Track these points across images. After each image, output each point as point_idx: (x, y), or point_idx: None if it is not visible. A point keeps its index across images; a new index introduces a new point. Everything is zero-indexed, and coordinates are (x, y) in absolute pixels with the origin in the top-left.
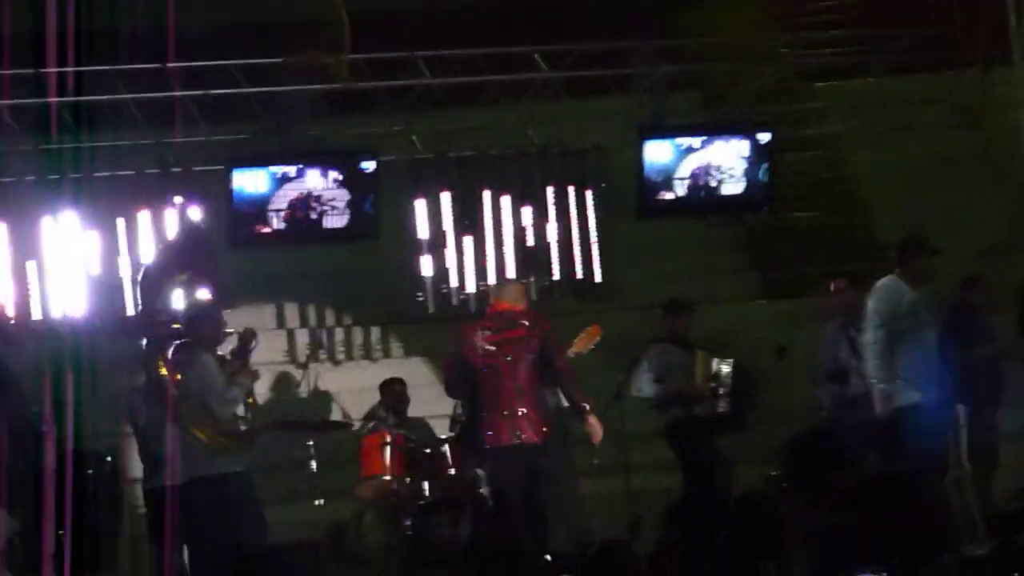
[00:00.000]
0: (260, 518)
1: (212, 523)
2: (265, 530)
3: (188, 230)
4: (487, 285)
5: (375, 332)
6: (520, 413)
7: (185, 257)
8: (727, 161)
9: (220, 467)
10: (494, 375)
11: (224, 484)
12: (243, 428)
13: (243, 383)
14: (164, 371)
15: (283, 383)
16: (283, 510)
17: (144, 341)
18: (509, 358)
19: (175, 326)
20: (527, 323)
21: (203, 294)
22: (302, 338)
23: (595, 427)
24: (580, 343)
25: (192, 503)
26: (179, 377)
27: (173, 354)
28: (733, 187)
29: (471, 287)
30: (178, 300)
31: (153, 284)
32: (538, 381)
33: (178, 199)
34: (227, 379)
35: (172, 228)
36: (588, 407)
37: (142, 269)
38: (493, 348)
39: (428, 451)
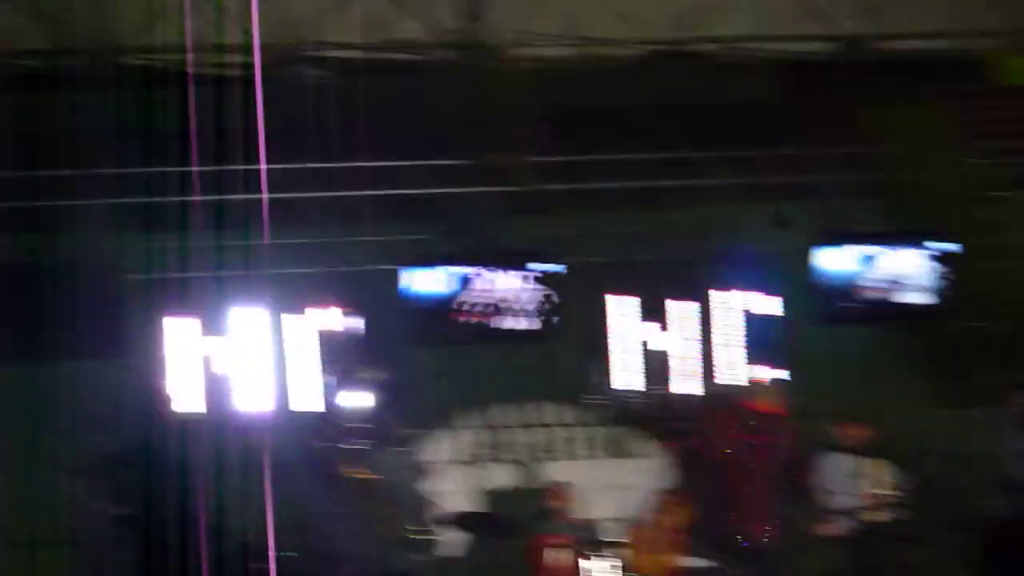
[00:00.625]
0: None
1: None
2: None
3: (370, 328)
4: (664, 387)
5: (556, 432)
6: (753, 514)
7: (367, 354)
8: (909, 269)
9: (406, 563)
10: (734, 473)
11: None
12: (426, 526)
13: (426, 480)
14: (355, 469)
15: (459, 481)
16: None
17: (324, 437)
18: (752, 461)
19: (358, 423)
20: (778, 427)
21: (384, 391)
22: (479, 437)
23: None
24: None
25: None
26: (369, 474)
27: (361, 451)
28: (914, 296)
29: (642, 389)
30: (359, 397)
31: (343, 381)
32: (775, 485)
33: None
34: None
35: (354, 325)
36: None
37: (326, 365)
38: (740, 446)
39: (590, 555)
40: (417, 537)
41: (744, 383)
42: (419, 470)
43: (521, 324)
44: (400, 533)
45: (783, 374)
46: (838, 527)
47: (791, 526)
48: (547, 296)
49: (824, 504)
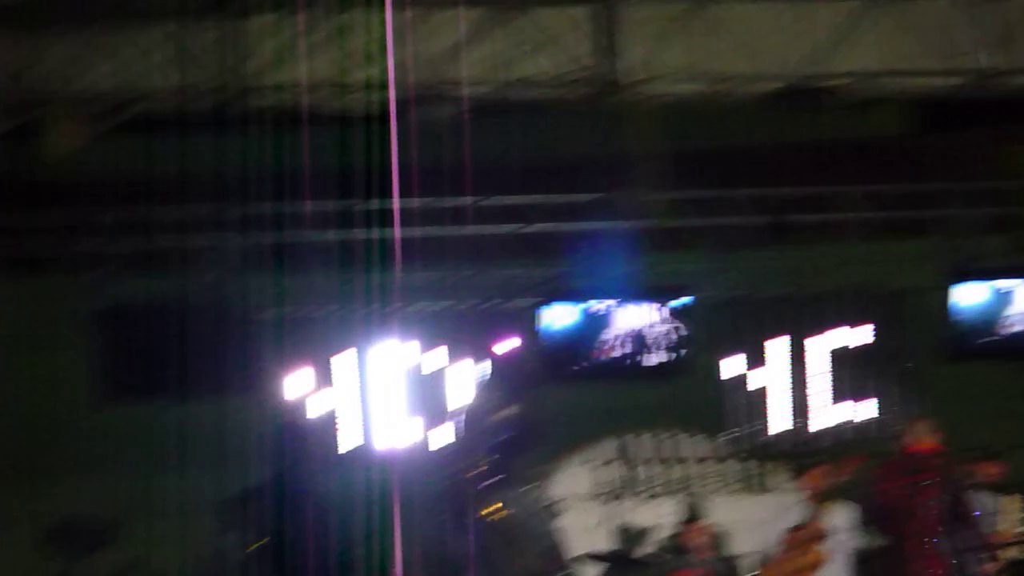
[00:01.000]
0: None
1: None
2: None
3: (511, 365)
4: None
5: (683, 467)
6: (924, 554)
7: (507, 393)
8: None
9: None
10: (903, 515)
11: None
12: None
13: (553, 517)
14: (494, 506)
15: (591, 517)
16: None
17: (458, 474)
18: (917, 500)
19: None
20: (939, 465)
21: (519, 427)
22: (615, 472)
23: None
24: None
25: None
26: (505, 512)
27: (495, 488)
28: None
29: (779, 426)
30: (497, 434)
31: (476, 418)
32: (946, 523)
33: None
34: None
35: (495, 362)
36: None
37: (468, 404)
38: (904, 490)
39: None
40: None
41: (895, 422)
42: (552, 508)
43: (656, 359)
44: (534, 572)
45: (916, 411)
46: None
47: (960, 565)
48: (680, 330)
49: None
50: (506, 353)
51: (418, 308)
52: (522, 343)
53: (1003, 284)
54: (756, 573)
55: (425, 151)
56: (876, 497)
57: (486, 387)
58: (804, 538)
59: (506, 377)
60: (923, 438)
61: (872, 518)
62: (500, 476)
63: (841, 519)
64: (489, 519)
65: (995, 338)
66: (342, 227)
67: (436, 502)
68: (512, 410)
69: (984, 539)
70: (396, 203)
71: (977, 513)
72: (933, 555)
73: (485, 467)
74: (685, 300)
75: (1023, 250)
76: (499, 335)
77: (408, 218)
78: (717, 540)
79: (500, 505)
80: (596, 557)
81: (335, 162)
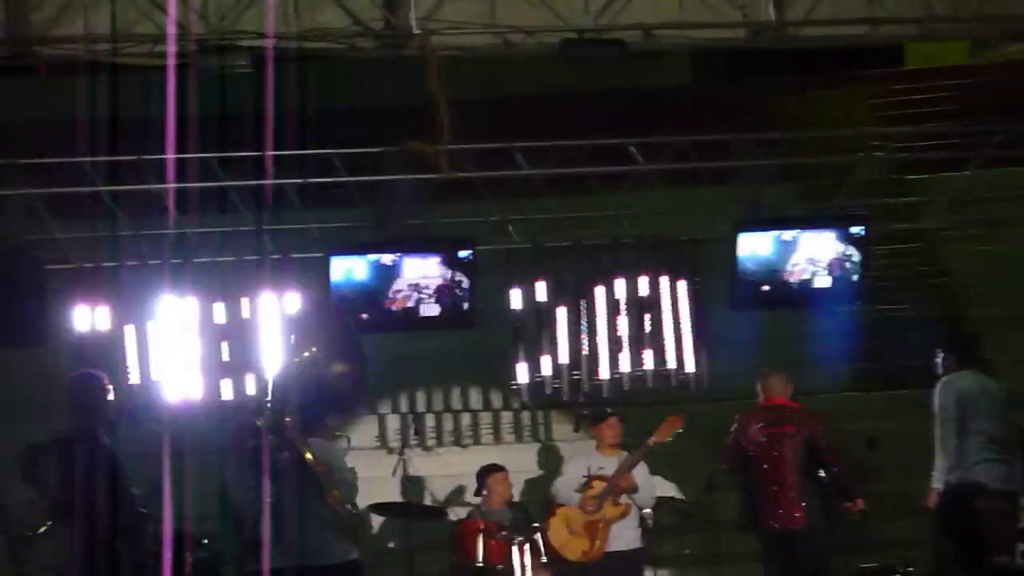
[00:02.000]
0: None
1: None
2: None
3: (315, 308)
4: (580, 374)
5: (466, 419)
6: (785, 500)
7: (311, 334)
8: (822, 254)
9: (351, 553)
10: (763, 464)
11: (355, 571)
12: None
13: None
14: (303, 449)
15: (375, 468)
16: None
17: (260, 423)
18: (776, 452)
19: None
20: (797, 419)
21: (332, 371)
22: (394, 423)
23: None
24: (661, 433)
25: None
26: (312, 458)
27: (304, 433)
28: (827, 280)
29: (564, 376)
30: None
31: (268, 369)
32: (803, 471)
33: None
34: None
35: (291, 309)
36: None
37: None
38: (765, 440)
39: (521, 539)
40: (350, 524)
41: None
42: (340, 459)
43: (444, 311)
44: (335, 520)
45: (704, 359)
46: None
47: (819, 510)
48: (466, 281)
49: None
50: (299, 305)
51: (207, 260)
52: (313, 295)
53: (789, 233)
54: (545, 521)
55: (215, 102)
56: (738, 445)
57: (284, 338)
58: (601, 490)
59: (302, 329)
60: (778, 391)
61: (734, 465)
62: (299, 427)
63: (641, 473)
64: (286, 469)
65: (775, 287)
66: (134, 178)
67: (232, 454)
68: (323, 352)
69: (841, 484)
70: (172, 154)
71: (831, 460)
72: (792, 500)
73: (285, 417)
74: (470, 251)
75: (808, 199)
76: (289, 287)
77: (197, 169)
78: (508, 489)
79: (302, 454)
80: (386, 507)
81: (125, 113)
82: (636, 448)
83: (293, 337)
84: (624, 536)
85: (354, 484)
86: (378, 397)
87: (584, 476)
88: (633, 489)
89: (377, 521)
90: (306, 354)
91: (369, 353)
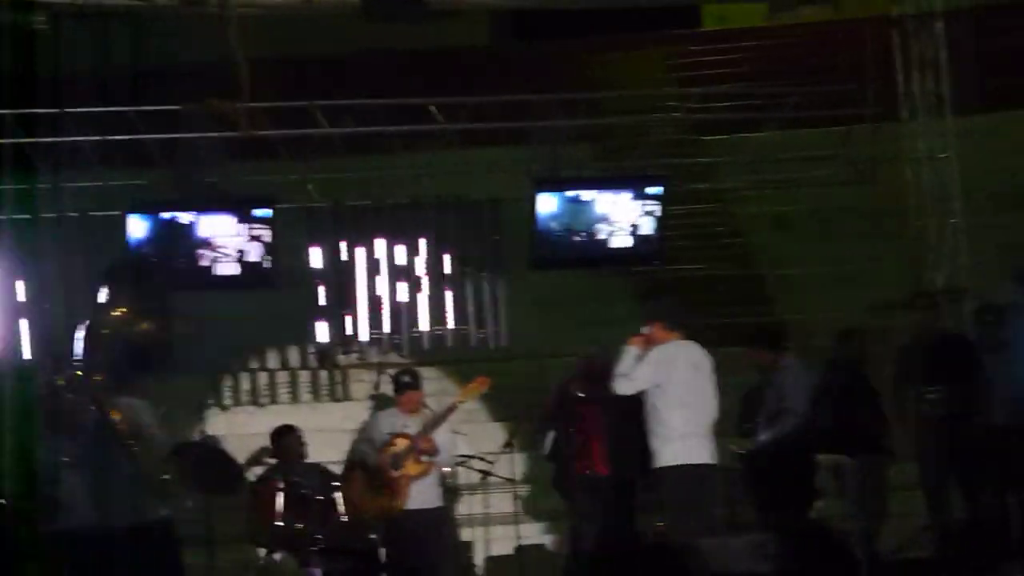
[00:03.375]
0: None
1: (157, 568)
2: None
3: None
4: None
5: (263, 378)
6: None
7: (120, 291)
8: (619, 214)
9: (161, 511)
10: (576, 417)
11: (166, 529)
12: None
13: (168, 432)
14: (108, 409)
15: (177, 427)
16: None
17: (60, 381)
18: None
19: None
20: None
21: (141, 329)
22: (195, 383)
23: None
24: (466, 393)
25: (137, 545)
26: (118, 416)
27: (110, 393)
28: (624, 239)
29: (364, 335)
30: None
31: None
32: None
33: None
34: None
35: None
36: None
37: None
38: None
39: (321, 498)
40: (158, 483)
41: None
42: (149, 417)
43: (240, 269)
44: (143, 480)
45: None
46: None
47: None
48: (264, 240)
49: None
50: (102, 265)
51: (2, 217)
52: (103, 254)
53: (581, 194)
54: (346, 480)
55: (12, 58)
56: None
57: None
58: (402, 448)
59: (101, 288)
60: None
61: (550, 418)
62: (107, 386)
63: (443, 433)
64: (89, 428)
65: (572, 247)
66: None
67: (36, 411)
68: (130, 311)
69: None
70: None
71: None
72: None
73: (85, 377)
74: (270, 210)
75: (605, 160)
76: (94, 246)
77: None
78: (302, 449)
79: (107, 413)
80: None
81: None
82: (439, 408)
83: (102, 294)
84: (425, 494)
85: (164, 441)
86: (178, 356)
87: (387, 434)
88: (434, 451)
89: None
90: (115, 312)
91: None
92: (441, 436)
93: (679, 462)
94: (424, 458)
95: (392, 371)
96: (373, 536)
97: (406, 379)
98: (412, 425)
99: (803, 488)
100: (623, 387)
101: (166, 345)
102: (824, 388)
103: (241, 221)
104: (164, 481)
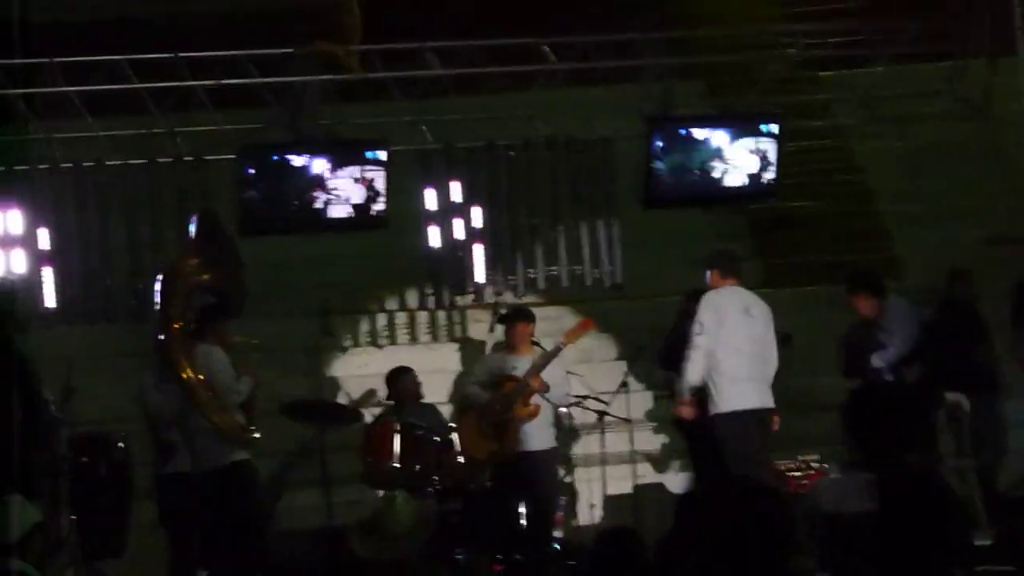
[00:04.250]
0: (266, 505)
1: (228, 510)
2: (271, 516)
3: (203, 220)
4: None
5: (381, 319)
6: None
7: (200, 249)
8: (733, 151)
9: (231, 456)
10: None
11: (236, 472)
12: (247, 419)
13: (247, 381)
14: (181, 362)
15: (292, 370)
16: (290, 496)
17: (159, 333)
18: None
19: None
20: None
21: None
22: (312, 325)
23: None
24: (570, 335)
25: (208, 490)
26: (192, 369)
27: (188, 346)
28: (738, 177)
29: (480, 276)
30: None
31: (169, 276)
32: None
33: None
34: (236, 372)
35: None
36: None
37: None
38: None
39: (437, 439)
40: (244, 430)
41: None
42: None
43: (355, 212)
44: (226, 427)
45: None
46: None
47: None
48: (382, 184)
49: None
50: (206, 209)
51: (119, 162)
52: (218, 197)
53: (695, 132)
54: (458, 420)
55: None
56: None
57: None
58: (511, 390)
59: (205, 234)
60: None
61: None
62: (198, 333)
63: (555, 373)
64: (187, 374)
65: (686, 185)
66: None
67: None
68: (208, 267)
69: None
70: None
71: None
72: None
73: (184, 323)
74: (384, 151)
75: (717, 97)
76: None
77: (107, 72)
78: (418, 390)
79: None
80: (297, 408)
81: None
82: (548, 349)
83: (186, 249)
84: (537, 436)
85: (235, 388)
86: (293, 299)
87: (495, 376)
88: (545, 389)
89: (291, 424)
90: (190, 261)
91: (283, 256)
92: (551, 376)
93: (734, 408)
94: (533, 400)
95: (503, 314)
96: (488, 479)
97: (513, 314)
98: (520, 366)
99: (919, 426)
100: (696, 340)
101: (241, 292)
102: (936, 325)
103: (354, 163)
104: (240, 427)
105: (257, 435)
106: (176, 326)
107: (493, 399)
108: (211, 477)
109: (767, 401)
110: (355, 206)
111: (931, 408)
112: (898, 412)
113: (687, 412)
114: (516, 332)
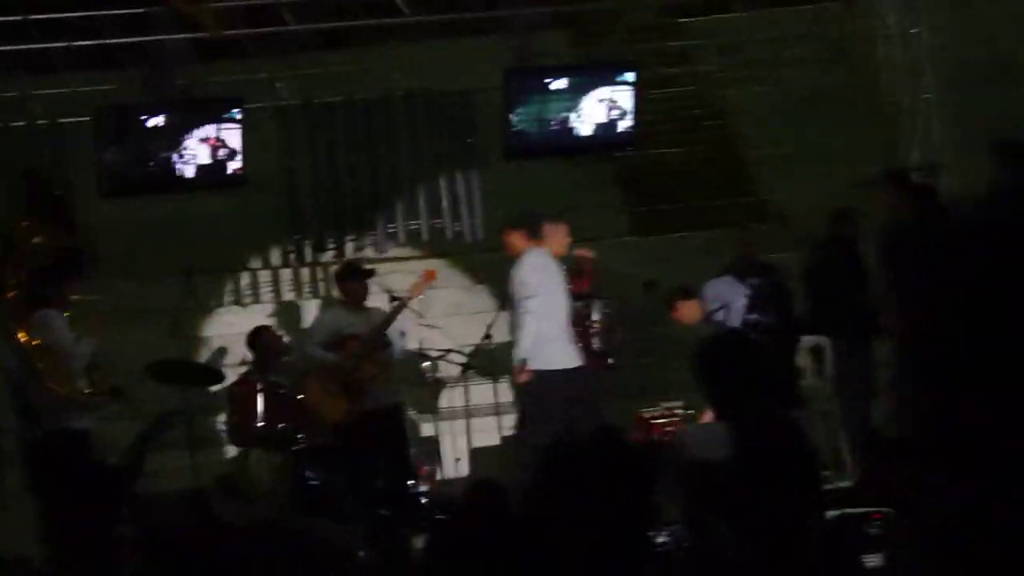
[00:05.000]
0: (127, 469)
1: (78, 473)
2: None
3: (29, 183)
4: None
5: (244, 278)
6: None
7: (30, 211)
8: (589, 101)
9: (70, 423)
10: None
11: (73, 439)
12: (94, 384)
13: (88, 343)
14: (15, 329)
15: (155, 332)
16: (155, 458)
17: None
18: None
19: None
20: None
21: (50, 248)
22: (175, 285)
23: None
24: (414, 288)
25: (56, 453)
26: (30, 334)
27: (23, 312)
28: (594, 127)
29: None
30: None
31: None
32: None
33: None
34: (76, 336)
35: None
36: None
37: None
38: None
39: (300, 398)
40: (90, 394)
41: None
42: (63, 330)
43: (212, 171)
44: (65, 392)
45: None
46: None
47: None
48: (239, 142)
49: None
50: (27, 175)
51: None
52: (74, 160)
53: (559, 81)
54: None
55: None
56: None
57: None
58: (357, 348)
59: (31, 193)
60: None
61: None
62: (34, 298)
63: (398, 325)
64: (25, 341)
65: (548, 135)
66: None
67: None
68: (36, 227)
69: None
70: None
71: None
72: None
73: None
74: (239, 110)
75: (580, 47)
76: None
77: None
78: (281, 347)
79: (33, 326)
80: (160, 369)
81: None
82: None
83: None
84: (384, 392)
85: (74, 353)
86: (156, 260)
87: (334, 334)
88: (386, 344)
89: (155, 386)
90: (22, 225)
91: (142, 215)
92: (392, 330)
93: (549, 367)
94: (379, 355)
95: (338, 269)
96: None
97: (351, 270)
98: (359, 322)
99: (773, 371)
100: (527, 303)
101: (75, 254)
102: (816, 266)
103: (211, 122)
104: (80, 392)
105: (97, 400)
106: (10, 293)
107: (340, 359)
108: (60, 439)
109: (577, 359)
110: (212, 164)
111: (787, 353)
112: (748, 359)
113: (525, 377)
114: (354, 288)
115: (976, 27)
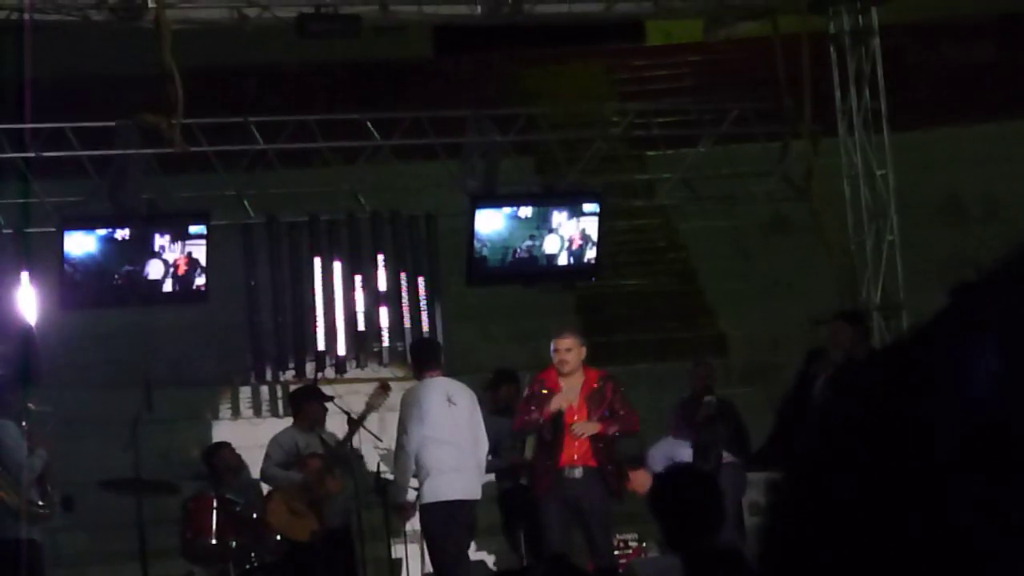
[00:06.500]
0: None
1: None
2: None
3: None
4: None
5: (203, 392)
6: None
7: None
8: (554, 229)
9: (18, 533)
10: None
11: (19, 551)
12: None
13: (40, 454)
14: None
15: (112, 442)
16: (107, 570)
17: None
18: None
19: None
20: None
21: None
22: (130, 397)
23: None
24: (368, 406)
25: (4, 564)
26: None
27: None
28: (561, 255)
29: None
30: None
31: None
32: None
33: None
34: (30, 448)
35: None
36: None
37: None
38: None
39: (255, 516)
40: (35, 507)
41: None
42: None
43: (175, 285)
44: (14, 503)
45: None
46: None
47: None
48: (201, 255)
49: None
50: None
51: None
52: (37, 270)
53: (525, 209)
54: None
55: None
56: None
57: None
58: (320, 467)
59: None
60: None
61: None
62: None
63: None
64: None
65: (511, 262)
66: None
67: None
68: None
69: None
70: None
71: None
72: None
73: None
74: (204, 225)
75: (544, 174)
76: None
77: None
78: (240, 463)
79: None
80: (114, 483)
81: None
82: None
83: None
84: (336, 512)
85: (25, 465)
86: (116, 371)
87: (293, 455)
88: (346, 462)
89: (109, 497)
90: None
91: (103, 329)
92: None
93: (438, 499)
94: (338, 474)
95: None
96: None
97: (309, 393)
98: (313, 444)
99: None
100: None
101: (29, 364)
102: (789, 402)
103: (175, 236)
104: (29, 504)
105: (47, 511)
106: None
107: (306, 477)
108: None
109: (473, 492)
110: (176, 279)
111: (736, 491)
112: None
113: (410, 516)
114: (314, 410)
115: (936, 169)
